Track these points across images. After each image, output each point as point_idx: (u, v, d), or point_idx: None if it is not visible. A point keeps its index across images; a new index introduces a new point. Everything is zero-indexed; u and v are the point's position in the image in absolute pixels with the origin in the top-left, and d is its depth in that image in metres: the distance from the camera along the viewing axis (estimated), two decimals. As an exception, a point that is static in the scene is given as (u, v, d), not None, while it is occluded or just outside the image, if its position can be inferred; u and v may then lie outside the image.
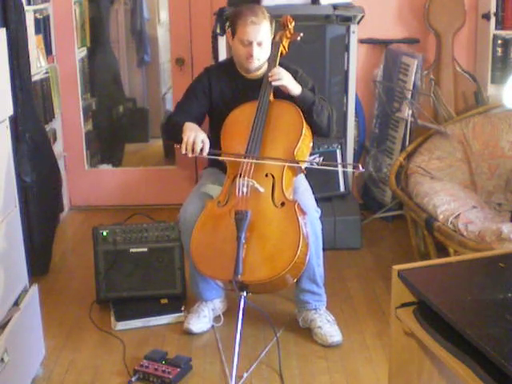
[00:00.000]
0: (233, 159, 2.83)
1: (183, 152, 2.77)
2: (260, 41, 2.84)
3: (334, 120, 2.95)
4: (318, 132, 2.94)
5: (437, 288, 1.74)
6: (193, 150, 2.76)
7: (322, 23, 3.88)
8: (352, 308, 3.22)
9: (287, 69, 2.97)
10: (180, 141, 2.80)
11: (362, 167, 2.90)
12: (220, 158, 2.87)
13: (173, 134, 2.91)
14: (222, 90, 3.01)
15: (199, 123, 2.93)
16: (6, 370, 2.27)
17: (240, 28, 2.85)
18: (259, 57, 2.88)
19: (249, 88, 2.95)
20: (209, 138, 2.83)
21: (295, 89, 2.86)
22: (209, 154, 2.80)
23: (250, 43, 2.84)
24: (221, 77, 3.02)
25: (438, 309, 1.62)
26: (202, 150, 2.77)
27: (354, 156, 4.25)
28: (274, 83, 2.85)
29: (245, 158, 2.79)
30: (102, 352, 2.89)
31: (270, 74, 2.86)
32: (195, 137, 2.76)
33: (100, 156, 5.04)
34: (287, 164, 2.79)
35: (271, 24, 2.90)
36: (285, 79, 2.85)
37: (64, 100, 4.45)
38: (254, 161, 2.78)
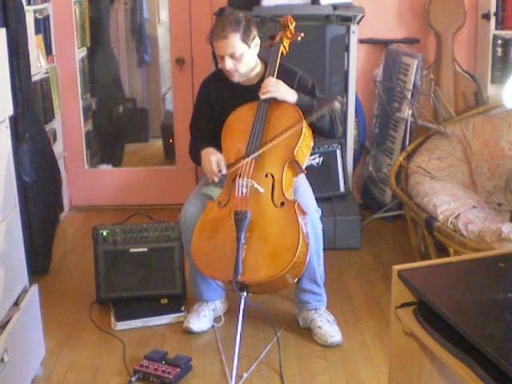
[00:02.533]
0: (238, 165, 2.81)
1: (210, 181, 2.87)
2: (231, 53, 2.82)
3: (338, 120, 2.92)
4: (322, 134, 2.94)
5: (437, 288, 1.74)
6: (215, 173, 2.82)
7: (321, 23, 3.88)
8: (352, 308, 3.22)
9: (286, 71, 2.97)
10: None
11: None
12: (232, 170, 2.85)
13: (199, 160, 2.97)
14: (220, 98, 3.02)
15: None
16: (6, 370, 2.27)
17: (213, 44, 2.88)
18: (237, 68, 2.87)
19: (247, 93, 2.94)
20: (209, 142, 2.85)
21: (289, 98, 2.85)
22: (228, 169, 2.83)
23: (222, 57, 2.85)
24: (218, 85, 3.03)
25: (438, 309, 1.62)
26: (220, 170, 2.82)
27: (354, 156, 4.25)
28: (262, 96, 2.84)
29: (244, 158, 2.79)
30: (102, 352, 2.89)
31: (261, 88, 2.85)
32: (210, 163, 2.82)
33: (100, 156, 5.04)
34: (284, 137, 2.78)
35: (247, 33, 2.83)
36: (274, 92, 2.83)
37: (64, 100, 4.45)
38: (257, 154, 2.78)
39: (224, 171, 2.82)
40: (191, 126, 3.14)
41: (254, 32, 2.88)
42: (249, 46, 2.85)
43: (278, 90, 2.84)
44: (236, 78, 2.92)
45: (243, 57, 2.85)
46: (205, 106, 3.05)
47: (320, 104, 2.89)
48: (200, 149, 2.92)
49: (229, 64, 2.85)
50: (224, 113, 2.96)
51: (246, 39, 2.83)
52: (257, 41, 2.90)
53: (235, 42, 2.81)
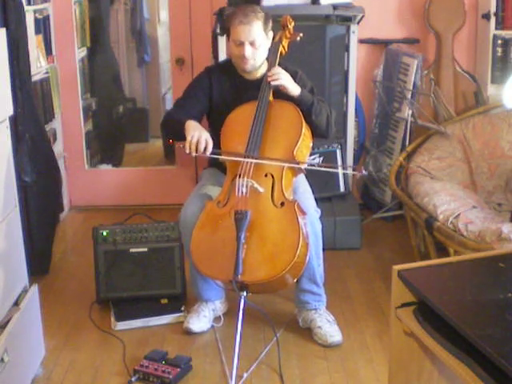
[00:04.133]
0: (234, 159, 2.82)
1: (187, 151, 2.77)
2: (252, 40, 2.83)
3: (332, 121, 2.96)
4: (316, 133, 2.94)
5: (437, 288, 1.74)
6: (196, 150, 2.76)
7: (322, 23, 3.88)
8: (352, 308, 3.22)
9: (286, 70, 2.97)
10: (180, 138, 2.81)
11: (365, 170, 2.89)
12: (221, 158, 2.86)
13: (173, 131, 2.92)
14: (222, 90, 3.02)
15: (198, 122, 2.93)
16: (6, 369, 2.27)
17: (232, 29, 2.86)
18: (254, 57, 2.88)
19: (249, 88, 2.96)
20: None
21: (294, 89, 2.86)
22: (211, 153, 2.80)
23: (242, 43, 2.84)
24: (221, 77, 3.03)
25: (438, 309, 1.62)
26: (205, 149, 2.77)
27: (354, 156, 4.25)
28: (272, 83, 2.85)
29: (245, 157, 2.79)
30: (102, 352, 2.89)
31: (268, 74, 2.86)
32: (199, 136, 2.76)
33: (100, 156, 5.04)
34: (287, 165, 2.79)
35: (266, 24, 2.87)
36: (284, 79, 2.85)
37: (64, 100, 4.45)
38: (255, 161, 2.78)
39: (208, 153, 2.78)
40: (178, 101, 3.05)
41: (271, 24, 2.91)
42: (267, 37, 2.88)
43: (287, 78, 2.85)
44: (249, 67, 2.91)
45: (261, 47, 2.87)
46: (202, 92, 3.02)
47: (322, 113, 2.90)
48: (183, 120, 2.85)
49: (248, 51, 2.85)
50: (224, 106, 2.96)
51: (265, 29, 2.87)
52: (270, 34, 2.93)
53: (258, 29, 2.83)
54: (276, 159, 2.80)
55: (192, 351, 2.86)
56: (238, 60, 2.91)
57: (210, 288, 3.00)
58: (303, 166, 2.87)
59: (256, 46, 2.85)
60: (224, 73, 3.02)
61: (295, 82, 2.94)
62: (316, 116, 2.88)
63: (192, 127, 2.81)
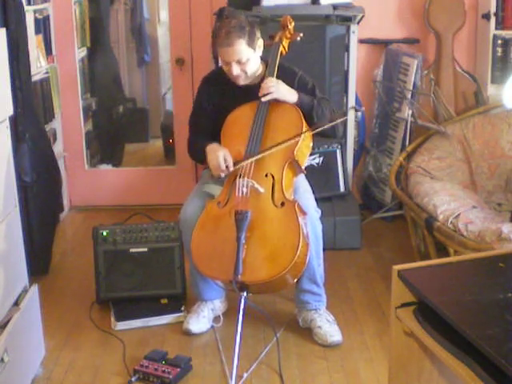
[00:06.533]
0: (248, 161, 2.80)
1: (216, 176, 2.83)
2: (238, 59, 2.83)
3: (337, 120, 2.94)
4: (323, 134, 2.94)
5: (437, 288, 1.74)
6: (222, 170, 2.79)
7: (321, 23, 3.88)
8: (352, 308, 3.22)
9: (286, 71, 2.97)
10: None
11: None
12: (240, 165, 2.83)
13: (200, 157, 2.96)
14: (221, 96, 3.02)
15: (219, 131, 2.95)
16: (6, 370, 2.27)
17: (218, 48, 2.87)
18: (244, 71, 2.87)
19: (248, 93, 2.93)
20: (210, 139, 2.86)
21: (290, 98, 2.85)
22: (234, 166, 2.80)
23: (229, 63, 2.85)
24: (219, 83, 3.03)
25: (438, 309, 1.62)
26: (227, 166, 2.79)
27: (354, 156, 4.25)
28: (263, 99, 2.84)
29: (246, 158, 2.79)
30: (102, 352, 2.89)
31: (260, 90, 2.85)
32: (217, 158, 2.78)
33: (100, 156, 5.04)
34: (285, 144, 2.77)
35: (252, 37, 2.83)
36: (275, 92, 2.83)
37: (64, 100, 4.45)
38: (268, 152, 2.78)
39: (231, 168, 2.80)
40: (191, 123, 3.11)
41: (258, 34, 2.89)
42: (254, 50, 2.86)
43: (279, 90, 2.84)
44: (242, 81, 2.92)
45: (249, 61, 2.86)
46: (206, 102, 3.03)
47: (324, 114, 2.89)
48: (203, 145, 2.89)
49: (236, 70, 2.85)
50: (225, 112, 2.96)
51: (251, 44, 2.84)
52: (260, 42, 2.91)
53: (241, 48, 2.81)
54: (278, 143, 2.79)
55: (192, 351, 2.86)
56: (230, 76, 2.91)
57: (209, 288, 3.00)
58: (302, 160, 2.86)
59: (243, 62, 2.84)
60: (221, 79, 3.01)
61: (294, 83, 2.93)
62: (318, 118, 2.87)
63: (208, 152, 2.85)
